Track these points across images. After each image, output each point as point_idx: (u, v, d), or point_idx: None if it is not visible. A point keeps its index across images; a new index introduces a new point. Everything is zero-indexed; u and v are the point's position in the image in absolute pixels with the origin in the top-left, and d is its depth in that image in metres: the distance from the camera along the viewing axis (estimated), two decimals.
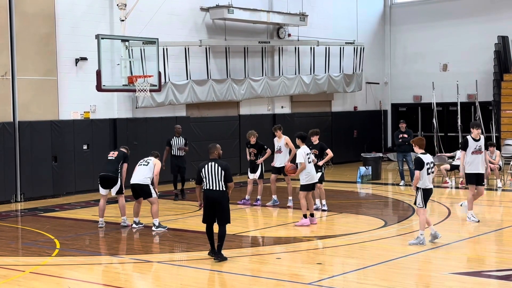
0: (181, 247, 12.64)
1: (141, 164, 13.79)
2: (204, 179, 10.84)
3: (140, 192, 13.60)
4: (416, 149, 12.13)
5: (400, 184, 20.33)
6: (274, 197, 16.70)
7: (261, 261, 11.14)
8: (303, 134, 14.49)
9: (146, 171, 13.65)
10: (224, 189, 10.83)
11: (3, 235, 13.60)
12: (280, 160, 16.53)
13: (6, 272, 10.50)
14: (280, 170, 16.57)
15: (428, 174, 11.89)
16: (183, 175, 18.28)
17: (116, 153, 14.19)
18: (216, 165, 10.83)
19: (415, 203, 12.09)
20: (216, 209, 10.86)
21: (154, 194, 13.59)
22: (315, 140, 15.64)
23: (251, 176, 16.87)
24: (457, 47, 27.85)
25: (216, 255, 10.82)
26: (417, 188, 11.93)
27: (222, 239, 10.87)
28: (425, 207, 11.95)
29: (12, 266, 10.90)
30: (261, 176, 16.80)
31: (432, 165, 11.99)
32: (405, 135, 20.33)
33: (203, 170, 10.85)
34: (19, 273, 10.46)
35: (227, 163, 11.02)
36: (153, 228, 13.59)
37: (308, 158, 14.11)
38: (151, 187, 13.58)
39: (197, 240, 12.72)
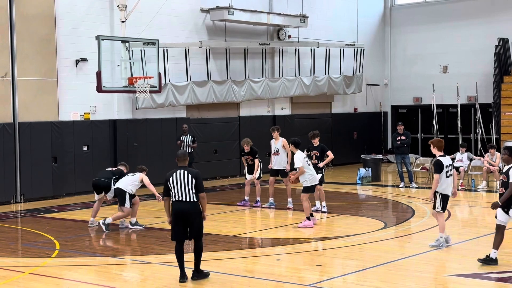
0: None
1: (128, 175, 14.15)
2: (173, 190, 9.59)
3: (118, 196, 13.78)
4: (434, 150, 11.83)
5: (400, 186, 20.34)
6: (271, 199, 16.68)
7: (260, 263, 11.13)
8: (296, 140, 14.45)
9: (129, 180, 13.91)
10: (195, 200, 9.58)
11: (3, 236, 13.60)
12: (278, 162, 16.52)
13: (6, 273, 10.50)
14: (278, 172, 16.57)
15: (447, 177, 11.68)
16: None
17: (115, 168, 14.54)
18: (186, 172, 9.58)
19: (433, 208, 11.83)
20: (188, 223, 9.63)
21: (128, 205, 13.72)
22: (316, 142, 15.66)
23: (249, 177, 16.88)
24: (457, 49, 27.86)
25: (194, 273, 9.78)
26: (435, 192, 11.69)
27: (200, 255, 9.79)
28: (443, 211, 11.83)
29: (11, 267, 10.90)
30: (259, 177, 16.81)
31: (451, 167, 11.79)
32: (403, 137, 20.36)
33: (170, 179, 9.59)
34: (18, 274, 10.46)
35: (198, 170, 9.94)
36: (130, 227, 13.98)
37: (307, 161, 14.14)
38: (128, 197, 13.72)
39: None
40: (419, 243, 12.57)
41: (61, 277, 10.38)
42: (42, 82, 18.60)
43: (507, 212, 10.42)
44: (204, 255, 11.39)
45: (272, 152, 16.68)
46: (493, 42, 26.41)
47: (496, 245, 10.48)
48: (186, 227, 9.66)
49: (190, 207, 9.56)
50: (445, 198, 11.76)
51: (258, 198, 16.82)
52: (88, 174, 19.50)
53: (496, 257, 10.46)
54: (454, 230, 13.78)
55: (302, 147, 14.63)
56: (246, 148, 16.71)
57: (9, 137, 17.95)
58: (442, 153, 11.83)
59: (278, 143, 16.55)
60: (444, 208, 11.80)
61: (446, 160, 11.75)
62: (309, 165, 14.16)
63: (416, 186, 20.14)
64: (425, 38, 28.76)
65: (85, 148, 19.68)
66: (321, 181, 15.51)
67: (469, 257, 11.42)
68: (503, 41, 26.46)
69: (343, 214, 15.70)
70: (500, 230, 10.48)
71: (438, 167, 11.60)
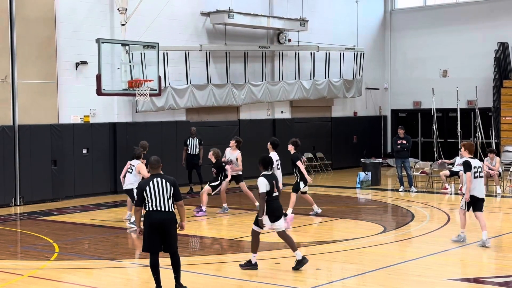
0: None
1: (128, 171, 14.49)
2: (149, 199, 9.04)
3: (130, 197, 13.91)
4: (465, 153, 12.44)
5: (400, 190, 20.34)
6: (225, 205, 16.47)
7: (259, 266, 11.12)
8: (275, 141, 14.88)
9: (131, 177, 14.31)
10: (172, 209, 9.12)
11: (2, 239, 13.58)
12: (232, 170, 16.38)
13: (5, 276, 10.49)
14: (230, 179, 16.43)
15: (475, 177, 12.18)
16: (198, 171, 20.12)
17: (132, 163, 14.61)
18: (164, 181, 9.09)
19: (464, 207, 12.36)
20: (165, 234, 9.12)
21: None
22: (291, 149, 15.41)
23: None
24: (457, 53, 27.88)
25: (177, 286, 9.36)
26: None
27: (179, 268, 9.37)
28: (468, 210, 12.30)
29: (11, 270, 10.89)
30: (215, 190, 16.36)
31: (480, 169, 12.32)
32: (404, 141, 20.36)
33: (147, 188, 9.05)
34: (18, 277, 10.45)
35: (174, 178, 9.33)
36: (128, 224, 14.31)
37: (277, 165, 14.38)
38: (135, 191, 13.71)
39: (196, 245, 12.73)
40: (419, 247, 12.59)
41: (60, 280, 10.37)
42: (42, 85, 18.60)
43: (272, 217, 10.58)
44: (203, 259, 11.43)
45: (228, 161, 16.36)
46: (493, 47, 26.44)
47: (254, 249, 10.69)
48: (161, 239, 9.14)
49: (168, 218, 9.08)
50: (472, 198, 12.19)
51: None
52: (87, 177, 19.54)
53: (255, 262, 10.63)
54: (453, 234, 13.77)
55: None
56: (213, 159, 16.26)
57: (9, 140, 17.94)
58: (471, 156, 12.37)
59: (234, 153, 16.43)
60: (468, 207, 12.27)
61: (474, 162, 12.29)
62: (278, 169, 14.41)
63: (416, 190, 20.14)
64: (425, 42, 28.78)
65: (84, 151, 19.67)
66: (297, 189, 15.39)
67: (469, 261, 11.43)
68: (503, 46, 26.49)
69: (343, 218, 15.69)
70: (254, 234, 10.67)
71: (468, 166, 12.15)
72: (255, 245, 10.68)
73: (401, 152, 20.38)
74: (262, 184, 10.47)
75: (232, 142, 16.64)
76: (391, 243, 12.94)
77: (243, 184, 16.37)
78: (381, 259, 11.32)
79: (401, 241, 13.16)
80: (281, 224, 10.65)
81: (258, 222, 10.60)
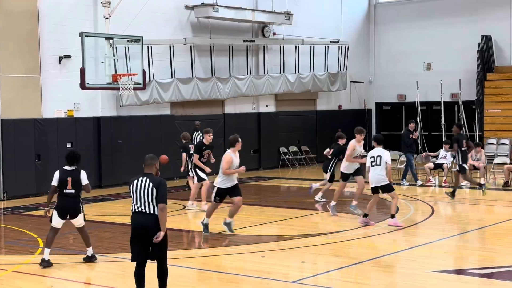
0: None
1: None
2: (133, 199, 8.46)
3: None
4: None
5: (417, 184, 19.83)
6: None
7: (245, 259, 11.15)
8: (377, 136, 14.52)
9: None
10: (157, 212, 8.37)
11: None
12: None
13: None
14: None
15: None
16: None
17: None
18: (148, 180, 8.39)
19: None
20: (149, 240, 8.32)
21: None
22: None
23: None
24: (441, 47, 27.99)
25: None
26: None
27: (165, 280, 8.58)
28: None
29: None
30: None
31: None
32: (416, 135, 20.34)
33: (131, 186, 8.49)
34: (1, 272, 10.41)
35: (162, 179, 8.53)
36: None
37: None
38: None
39: (182, 239, 12.73)
40: (403, 239, 12.65)
41: (44, 275, 10.33)
42: (25, 79, 18.49)
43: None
44: (190, 252, 11.41)
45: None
46: (477, 40, 26.57)
47: (49, 244, 10.88)
48: (148, 246, 8.40)
49: (151, 221, 8.30)
50: None
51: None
52: None
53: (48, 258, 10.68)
54: (437, 227, 13.86)
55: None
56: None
57: None
58: None
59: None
60: None
61: None
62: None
63: (408, 184, 20.06)
64: (409, 36, 28.88)
65: (68, 145, 19.55)
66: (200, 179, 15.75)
67: (452, 253, 11.50)
68: (486, 39, 26.62)
69: (328, 211, 15.72)
70: (54, 230, 10.93)
71: None
72: (50, 240, 10.77)
73: (414, 146, 20.33)
74: (54, 178, 10.66)
75: (360, 136, 15.24)
76: (376, 235, 12.98)
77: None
78: (366, 252, 11.37)
79: (385, 233, 13.21)
80: (79, 220, 10.75)
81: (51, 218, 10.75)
